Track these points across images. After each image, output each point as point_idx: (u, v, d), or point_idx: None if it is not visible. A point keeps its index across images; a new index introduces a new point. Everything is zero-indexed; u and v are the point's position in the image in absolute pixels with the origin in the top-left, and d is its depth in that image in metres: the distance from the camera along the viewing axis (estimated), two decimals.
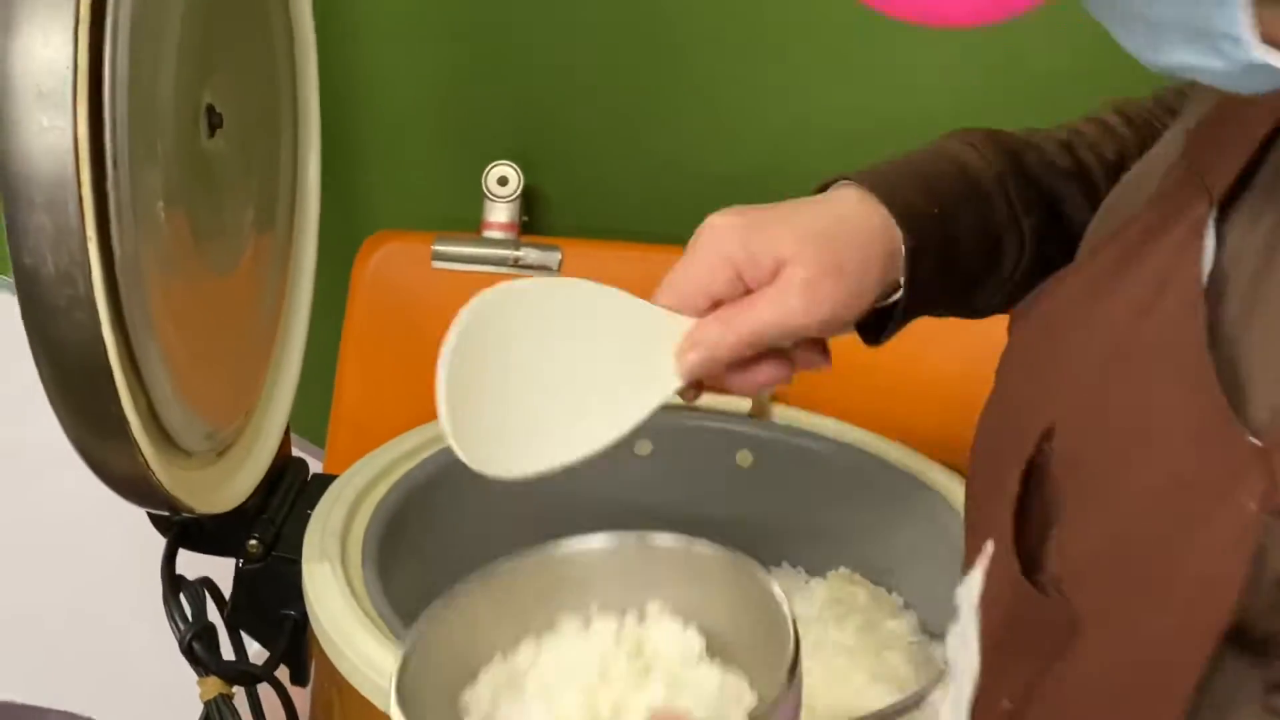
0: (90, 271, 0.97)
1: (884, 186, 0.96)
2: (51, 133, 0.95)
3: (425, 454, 1.37)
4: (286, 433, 1.37)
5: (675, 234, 1.57)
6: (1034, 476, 0.80)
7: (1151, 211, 0.83)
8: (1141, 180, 0.89)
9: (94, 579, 1.62)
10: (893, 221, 0.94)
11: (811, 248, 0.92)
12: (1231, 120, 0.80)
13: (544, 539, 1.40)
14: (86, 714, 1.38)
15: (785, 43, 1.53)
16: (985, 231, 0.99)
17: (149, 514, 1.22)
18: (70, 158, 0.95)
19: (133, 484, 1.07)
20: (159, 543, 1.26)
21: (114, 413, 1.01)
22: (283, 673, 1.31)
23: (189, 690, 1.22)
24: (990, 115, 1.45)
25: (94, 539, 1.52)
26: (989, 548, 0.82)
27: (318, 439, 1.58)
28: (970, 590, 0.84)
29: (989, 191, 0.99)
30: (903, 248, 0.94)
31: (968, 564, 0.86)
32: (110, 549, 1.51)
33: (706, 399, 1.45)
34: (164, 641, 1.23)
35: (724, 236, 0.93)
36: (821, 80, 1.54)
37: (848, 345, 1.49)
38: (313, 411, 1.51)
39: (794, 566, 1.43)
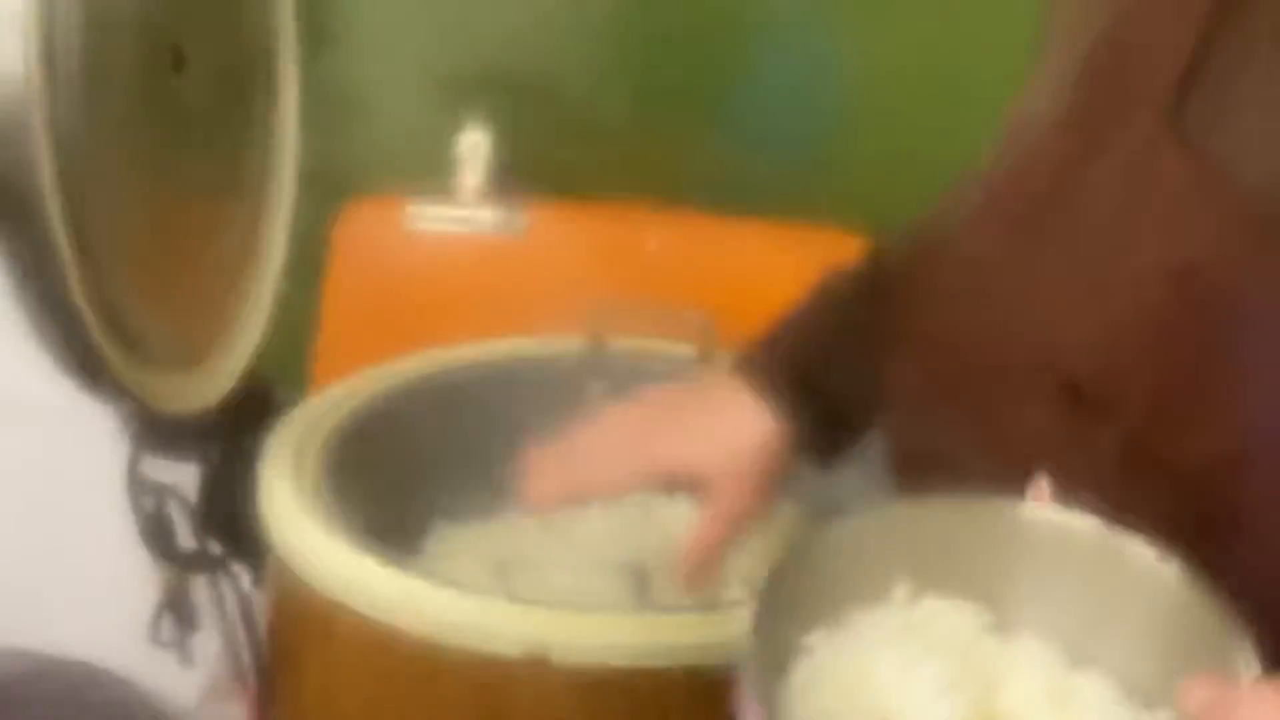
0: (45, 178, 1.06)
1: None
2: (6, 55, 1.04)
3: (398, 378, 1.48)
4: (259, 363, 1.45)
5: (645, 193, 1.65)
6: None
7: (1069, 136, 0.91)
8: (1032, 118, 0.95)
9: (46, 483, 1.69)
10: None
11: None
12: (1153, 26, 0.87)
13: (490, 464, 1.49)
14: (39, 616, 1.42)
15: None
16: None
17: (114, 415, 1.32)
18: (23, 81, 1.04)
19: (94, 377, 1.17)
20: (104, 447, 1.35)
21: (71, 303, 1.11)
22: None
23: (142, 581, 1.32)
24: None
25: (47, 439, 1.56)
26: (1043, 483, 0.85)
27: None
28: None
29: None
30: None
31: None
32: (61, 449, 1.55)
33: (653, 342, 1.54)
34: (117, 539, 1.32)
35: None
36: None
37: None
38: (289, 357, 1.61)
39: None
